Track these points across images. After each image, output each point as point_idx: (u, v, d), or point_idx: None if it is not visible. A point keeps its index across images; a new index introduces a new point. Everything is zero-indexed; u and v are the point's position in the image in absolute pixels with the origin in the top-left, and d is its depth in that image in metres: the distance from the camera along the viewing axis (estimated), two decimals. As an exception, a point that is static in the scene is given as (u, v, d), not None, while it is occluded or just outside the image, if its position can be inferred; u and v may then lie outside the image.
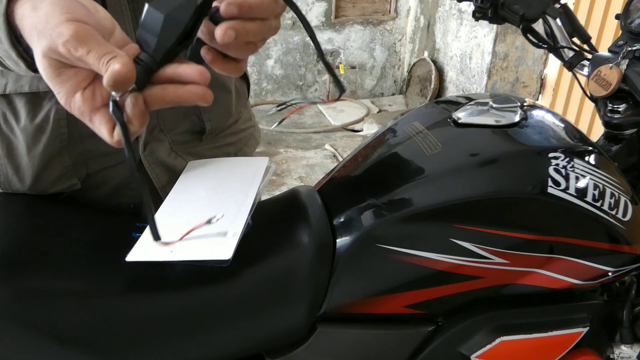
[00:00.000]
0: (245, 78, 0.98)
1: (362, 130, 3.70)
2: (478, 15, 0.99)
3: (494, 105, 0.84)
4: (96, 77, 0.51)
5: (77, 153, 0.79)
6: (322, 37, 3.95)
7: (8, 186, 0.79)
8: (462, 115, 0.84)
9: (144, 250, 0.64)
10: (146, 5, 0.52)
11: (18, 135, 0.76)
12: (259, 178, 0.75)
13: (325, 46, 4.03)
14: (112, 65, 0.47)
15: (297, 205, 0.81)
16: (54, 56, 0.49)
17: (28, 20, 0.52)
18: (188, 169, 0.82)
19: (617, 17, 0.93)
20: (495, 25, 3.07)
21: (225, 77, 0.88)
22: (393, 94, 4.38)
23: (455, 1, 1.12)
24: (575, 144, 0.83)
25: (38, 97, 0.74)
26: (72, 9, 0.50)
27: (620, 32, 0.93)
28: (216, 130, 0.90)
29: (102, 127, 0.51)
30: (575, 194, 0.75)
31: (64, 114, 0.75)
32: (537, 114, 0.87)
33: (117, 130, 0.50)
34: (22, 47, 0.54)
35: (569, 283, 0.77)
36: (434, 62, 3.74)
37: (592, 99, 0.94)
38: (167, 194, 0.84)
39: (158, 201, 0.82)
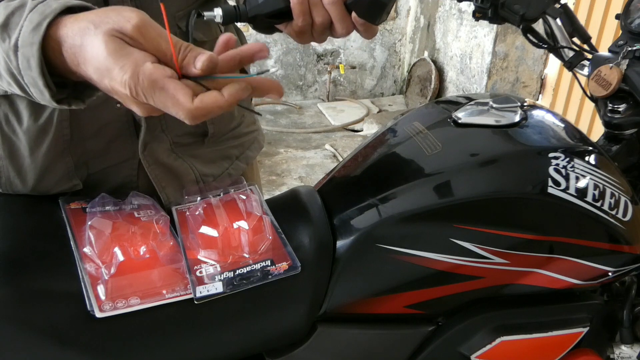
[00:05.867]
0: None
1: (362, 130, 3.70)
2: (478, 15, 0.99)
3: (494, 105, 0.84)
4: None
5: (79, 153, 0.79)
6: (322, 37, 3.95)
7: (9, 187, 0.79)
8: (462, 115, 0.84)
9: None
10: None
11: (20, 136, 0.76)
12: None
13: (325, 46, 4.04)
14: (202, 52, 0.52)
15: (297, 205, 0.81)
16: (120, 36, 0.51)
17: (81, 23, 0.53)
18: None
19: (617, 17, 0.93)
20: (495, 25, 3.07)
21: None
22: (393, 94, 4.38)
23: (455, 1, 1.12)
24: (576, 144, 0.83)
25: None
26: (130, 8, 0.53)
27: (620, 32, 0.92)
28: (218, 133, 0.90)
29: (178, 93, 0.51)
30: (576, 194, 0.75)
31: (67, 115, 0.75)
32: (537, 114, 0.87)
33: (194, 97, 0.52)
34: (50, 78, 0.55)
35: (569, 283, 0.77)
36: (434, 62, 3.74)
37: (592, 99, 0.94)
38: (168, 196, 0.85)
39: (159, 202, 0.82)
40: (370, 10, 0.66)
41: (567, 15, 0.93)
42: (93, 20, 0.52)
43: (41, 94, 0.56)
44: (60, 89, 0.57)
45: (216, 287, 0.68)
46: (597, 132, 2.68)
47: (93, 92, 0.60)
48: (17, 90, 0.59)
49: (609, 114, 0.91)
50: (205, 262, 0.71)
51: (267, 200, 0.85)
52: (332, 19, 0.66)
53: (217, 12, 0.64)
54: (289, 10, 0.65)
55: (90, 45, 0.52)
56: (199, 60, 0.52)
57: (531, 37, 0.99)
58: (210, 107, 0.52)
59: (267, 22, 0.68)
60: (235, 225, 0.75)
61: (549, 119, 0.88)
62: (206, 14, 0.65)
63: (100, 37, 0.51)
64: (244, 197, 0.81)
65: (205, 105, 0.52)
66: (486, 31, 3.19)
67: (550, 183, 0.75)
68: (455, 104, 0.89)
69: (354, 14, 0.67)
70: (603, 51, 0.92)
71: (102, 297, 0.64)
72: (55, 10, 0.54)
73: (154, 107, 0.54)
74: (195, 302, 0.67)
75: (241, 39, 0.95)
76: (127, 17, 0.51)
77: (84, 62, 0.53)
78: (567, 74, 2.98)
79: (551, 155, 0.77)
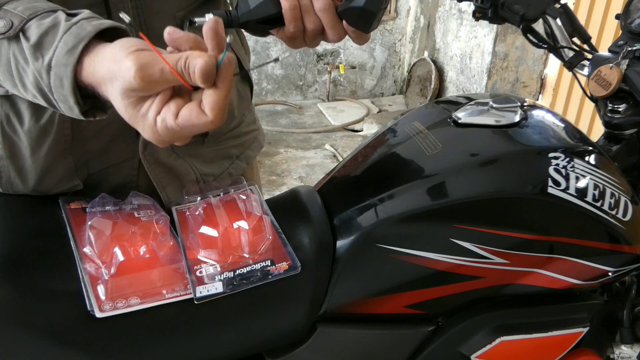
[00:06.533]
0: (248, 81, 0.98)
1: (362, 130, 3.70)
2: (478, 15, 0.99)
3: (494, 105, 0.84)
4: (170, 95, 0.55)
5: (80, 153, 0.79)
6: (322, 37, 3.95)
7: (10, 187, 0.79)
8: (462, 115, 0.84)
9: None
10: None
11: (22, 137, 0.76)
12: None
13: (325, 46, 4.04)
14: (196, 63, 0.51)
15: (297, 205, 0.81)
16: (133, 94, 0.53)
17: (98, 74, 0.55)
18: None
19: (617, 17, 0.93)
20: (495, 25, 3.07)
21: None
22: (393, 94, 4.38)
23: (455, 1, 1.12)
24: (575, 144, 0.83)
25: None
26: (128, 42, 0.54)
27: (620, 32, 0.92)
28: (219, 133, 0.90)
29: (194, 120, 0.53)
30: (576, 194, 0.75)
31: (68, 116, 0.75)
32: (537, 114, 0.87)
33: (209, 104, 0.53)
34: (80, 95, 0.57)
35: (569, 283, 0.77)
36: (434, 62, 3.74)
37: (592, 99, 0.94)
38: (168, 195, 0.85)
39: (159, 202, 0.82)
40: (361, 19, 0.66)
41: (567, 15, 0.93)
42: (106, 77, 0.54)
43: (70, 110, 0.58)
44: (84, 99, 0.58)
45: (216, 287, 0.68)
46: (597, 132, 2.68)
47: None
48: (42, 103, 0.61)
49: (609, 114, 0.91)
50: (205, 262, 0.71)
51: (267, 200, 0.85)
52: (324, 25, 0.67)
53: (209, 17, 0.64)
54: (281, 16, 0.65)
55: (113, 102, 0.55)
56: (197, 75, 0.52)
57: (531, 37, 0.99)
58: (220, 101, 0.53)
59: (259, 28, 0.68)
60: (235, 225, 0.75)
61: (549, 119, 0.88)
62: (197, 20, 0.65)
63: (119, 101, 0.54)
64: (244, 197, 0.81)
65: (216, 104, 0.53)
66: (486, 31, 3.19)
67: (550, 183, 0.75)
68: (455, 104, 0.89)
69: (345, 22, 0.67)
70: (603, 51, 0.92)
71: (102, 297, 0.64)
72: (90, 33, 0.56)
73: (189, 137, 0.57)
74: (195, 302, 0.67)
75: (241, 38, 0.95)
76: (127, 68, 0.52)
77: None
78: (567, 74, 2.98)
79: (551, 155, 0.77)
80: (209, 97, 0.53)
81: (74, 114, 0.59)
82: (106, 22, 0.57)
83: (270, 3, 0.65)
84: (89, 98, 0.59)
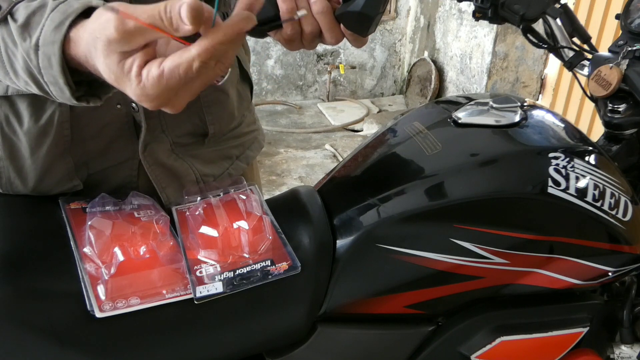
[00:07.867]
0: (248, 81, 0.98)
1: (362, 130, 3.70)
2: (478, 15, 0.99)
3: (494, 105, 0.84)
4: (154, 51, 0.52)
5: (79, 154, 0.79)
6: (322, 37, 3.95)
7: (10, 188, 0.79)
8: (462, 115, 0.84)
9: None
10: None
11: (21, 137, 0.76)
12: None
13: (325, 46, 4.03)
14: (183, 4, 0.47)
15: (297, 205, 0.81)
16: (113, 48, 0.50)
17: (83, 40, 0.53)
18: None
19: (617, 17, 0.93)
20: (495, 25, 3.07)
21: (226, 82, 0.88)
22: (393, 94, 4.38)
23: (455, 1, 1.12)
24: (576, 144, 0.83)
25: (41, 100, 0.74)
26: (111, 4, 0.52)
27: (620, 32, 0.93)
28: (219, 133, 0.90)
29: (185, 69, 0.50)
30: (576, 194, 0.75)
31: (67, 116, 0.75)
32: (537, 114, 0.87)
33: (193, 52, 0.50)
34: (70, 76, 0.56)
35: (569, 283, 0.77)
36: (434, 62, 3.74)
37: (592, 99, 0.94)
38: (168, 196, 0.85)
39: (159, 202, 0.82)
40: (358, 23, 0.66)
41: (567, 15, 0.93)
42: (91, 37, 0.52)
43: (61, 92, 0.57)
44: (77, 87, 0.57)
45: (216, 287, 0.68)
46: (597, 132, 2.68)
47: (108, 89, 0.60)
48: (34, 89, 0.60)
49: (609, 114, 0.91)
50: (205, 262, 0.71)
51: (267, 200, 0.85)
52: (322, 28, 0.66)
53: None
54: (279, 19, 0.65)
55: (99, 65, 0.53)
56: (184, 17, 0.48)
57: (531, 37, 0.99)
58: (217, 42, 0.50)
59: (256, 29, 0.68)
60: (235, 225, 0.75)
61: (549, 119, 0.88)
62: None
63: (102, 61, 0.52)
64: (244, 197, 0.81)
65: (213, 44, 0.50)
66: (486, 31, 3.19)
67: (550, 183, 0.75)
68: (455, 104, 0.89)
69: (342, 25, 0.67)
70: (603, 51, 0.92)
71: (102, 297, 0.64)
72: (77, 10, 0.55)
73: (186, 94, 0.53)
74: (195, 302, 0.67)
75: None
76: (106, 20, 0.50)
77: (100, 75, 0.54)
78: (567, 74, 2.98)
79: (551, 155, 0.77)
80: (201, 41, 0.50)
81: (65, 98, 0.57)
82: (95, 1, 0.56)
83: (268, 5, 0.65)
84: (82, 85, 0.58)
